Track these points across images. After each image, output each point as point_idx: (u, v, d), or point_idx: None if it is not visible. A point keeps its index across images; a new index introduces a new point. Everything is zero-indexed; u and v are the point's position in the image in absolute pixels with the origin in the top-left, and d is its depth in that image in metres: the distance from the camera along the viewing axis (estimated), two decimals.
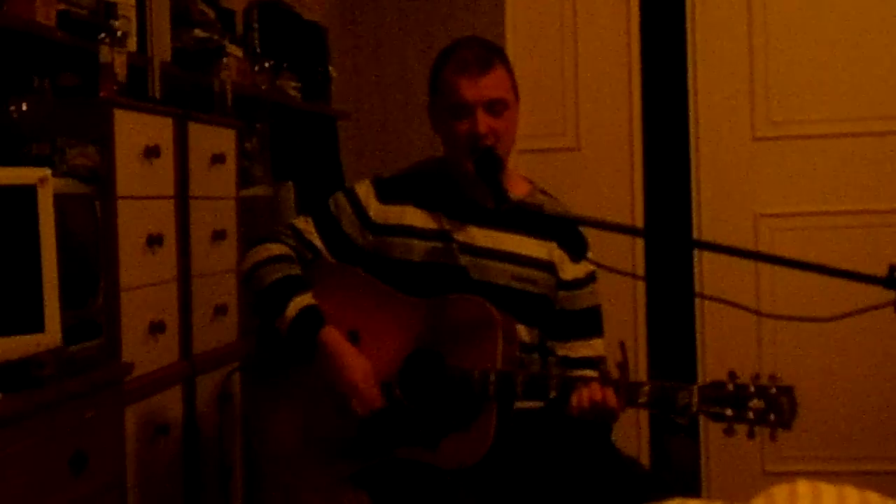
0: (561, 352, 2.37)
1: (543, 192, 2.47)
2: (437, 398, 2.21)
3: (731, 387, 2.00)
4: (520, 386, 2.14)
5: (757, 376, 2.00)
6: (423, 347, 2.25)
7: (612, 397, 2.06)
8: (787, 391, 1.98)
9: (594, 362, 2.36)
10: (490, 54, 2.34)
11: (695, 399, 2.01)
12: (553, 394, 2.12)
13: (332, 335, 2.25)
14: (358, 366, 2.23)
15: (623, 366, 2.08)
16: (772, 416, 1.97)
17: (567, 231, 2.38)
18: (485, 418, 2.16)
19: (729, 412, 1.99)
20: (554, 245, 2.37)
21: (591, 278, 2.40)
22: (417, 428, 2.21)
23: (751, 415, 1.97)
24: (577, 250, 2.37)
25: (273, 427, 2.37)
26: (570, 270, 2.38)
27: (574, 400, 2.09)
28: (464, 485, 2.17)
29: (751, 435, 1.99)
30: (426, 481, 2.19)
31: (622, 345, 2.09)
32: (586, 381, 2.10)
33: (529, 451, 2.27)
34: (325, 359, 2.25)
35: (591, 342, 2.39)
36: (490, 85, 2.30)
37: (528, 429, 2.27)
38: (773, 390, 1.98)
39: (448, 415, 2.19)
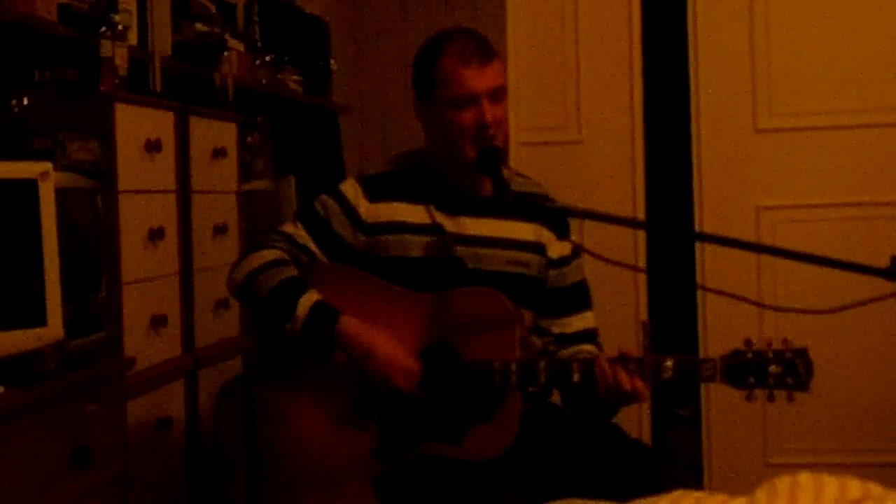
0: (556, 329, 2.39)
1: (519, 174, 2.48)
2: (458, 392, 2.21)
3: (749, 355, 2.07)
4: (542, 373, 2.16)
5: (770, 342, 2.07)
6: (436, 342, 2.25)
7: (637, 377, 2.10)
8: (802, 353, 2.06)
9: (590, 335, 2.40)
10: (487, 43, 2.36)
11: (718, 369, 2.08)
12: (577, 377, 2.14)
13: (351, 323, 2.23)
14: (387, 344, 2.22)
15: (645, 344, 2.12)
16: (790, 380, 2.05)
17: (550, 210, 2.39)
18: (509, 408, 2.17)
19: (751, 379, 2.07)
20: (540, 225, 2.39)
21: (576, 254, 2.43)
22: (440, 424, 2.21)
23: (771, 380, 2.06)
24: (561, 228, 2.39)
25: (283, 432, 2.34)
26: (557, 248, 2.40)
27: (600, 380, 2.11)
28: (490, 475, 2.17)
29: (770, 398, 2.07)
30: (444, 477, 2.19)
31: (644, 324, 2.13)
32: (608, 362, 2.12)
33: (543, 437, 2.28)
34: (351, 347, 2.23)
35: (583, 315, 2.42)
36: (493, 73, 2.31)
37: (538, 415, 2.28)
38: (789, 354, 2.06)
39: (471, 408, 2.19)
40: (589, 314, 2.43)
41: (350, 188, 2.41)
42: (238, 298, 2.44)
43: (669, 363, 2.10)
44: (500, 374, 2.16)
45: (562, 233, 2.40)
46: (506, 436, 2.17)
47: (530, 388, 2.24)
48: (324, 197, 2.42)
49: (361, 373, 2.25)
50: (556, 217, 2.40)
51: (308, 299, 2.26)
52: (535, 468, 2.25)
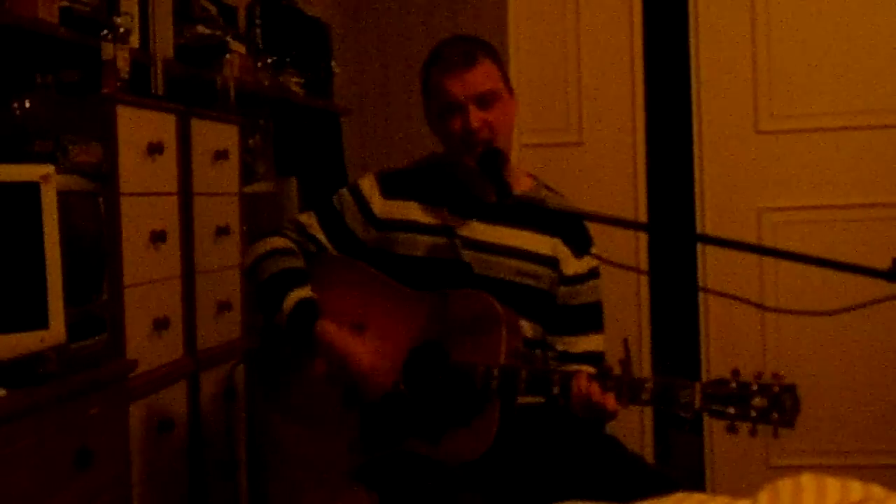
0: (561, 346, 2.38)
1: (547, 187, 2.48)
2: (441, 393, 2.21)
3: (733, 384, 1.97)
4: (523, 382, 2.14)
5: (759, 374, 1.97)
6: (428, 341, 2.25)
7: (610, 396, 2.06)
8: (790, 389, 1.95)
9: (594, 357, 2.36)
10: (474, 49, 2.35)
11: (697, 397, 1.99)
12: (556, 390, 2.12)
13: (329, 327, 2.26)
14: (360, 352, 2.24)
15: (626, 362, 2.07)
16: (775, 415, 1.94)
17: (572, 226, 2.38)
18: (487, 415, 2.16)
19: (731, 410, 1.96)
20: (558, 241, 2.38)
21: (592, 274, 2.41)
22: (421, 422, 2.22)
23: (753, 413, 1.95)
24: (580, 246, 2.37)
25: (277, 423, 2.37)
26: (573, 266, 2.38)
27: (574, 394, 2.09)
28: (467, 479, 2.17)
29: (753, 433, 1.97)
30: (430, 475, 2.19)
31: (625, 341, 2.08)
32: (587, 378, 2.10)
33: (531, 446, 2.27)
34: (325, 350, 2.26)
35: (590, 337, 2.40)
36: (476, 79, 2.30)
37: (529, 424, 2.28)
38: (776, 388, 1.95)
39: (451, 410, 2.19)
40: (597, 337, 2.41)
41: (367, 183, 2.44)
42: (248, 283, 2.49)
43: (649, 384, 2.04)
44: (482, 378, 2.15)
45: (581, 250, 2.38)
46: (481, 442, 2.15)
47: (528, 399, 2.23)
48: (342, 190, 2.46)
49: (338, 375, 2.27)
50: (577, 234, 2.39)
51: (296, 295, 2.28)
52: (518, 477, 2.24)
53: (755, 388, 1.96)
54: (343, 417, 2.29)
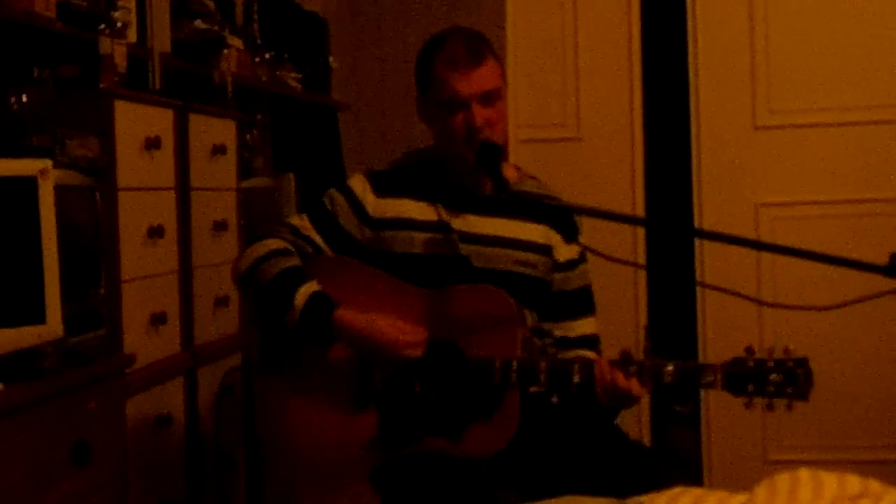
0: (558, 332, 2.40)
1: (531, 176, 2.48)
2: (459, 389, 2.21)
3: (751, 363, 2.05)
4: (543, 373, 2.16)
5: (771, 349, 2.05)
6: (438, 339, 2.25)
7: (634, 381, 2.10)
8: (803, 363, 2.04)
9: (591, 340, 2.41)
10: (479, 46, 2.34)
11: (719, 377, 2.06)
12: (577, 379, 2.14)
13: (347, 312, 2.24)
14: (385, 322, 2.23)
15: (648, 348, 2.12)
16: (789, 389, 2.03)
17: (559, 213, 2.39)
18: (508, 406, 2.17)
19: (751, 387, 2.04)
20: (549, 228, 2.39)
21: (582, 258, 2.43)
22: (439, 419, 2.22)
23: (771, 388, 2.03)
24: (569, 232, 2.39)
25: (279, 423, 2.35)
26: (565, 252, 2.40)
27: (598, 382, 2.11)
28: (488, 473, 2.18)
29: (770, 407, 2.05)
30: (443, 473, 2.19)
31: (647, 328, 2.13)
32: (609, 365, 2.12)
33: (542, 435, 2.28)
34: (350, 333, 2.24)
35: (586, 320, 2.43)
36: (483, 78, 2.29)
37: (538, 413, 2.28)
38: (790, 363, 2.03)
39: (470, 405, 2.19)
40: (592, 320, 2.44)
41: (358, 183, 2.42)
42: (240, 288, 2.46)
43: (670, 368, 2.09)
44: (500, 372, 2.16)
45: (570, 236, 2.40)
46: (504, 435, 2.17)
47: (533, 389, 2.24)
48: (332, 191, 2.43)
49: (363, 355, 2.25)
50: (566, 220, 2.40)
51: (306, 290, 2.26)
52: (534, 466, 2.25)
53: (771, 364, 2.04)
54: (354, 418, 2.28)
